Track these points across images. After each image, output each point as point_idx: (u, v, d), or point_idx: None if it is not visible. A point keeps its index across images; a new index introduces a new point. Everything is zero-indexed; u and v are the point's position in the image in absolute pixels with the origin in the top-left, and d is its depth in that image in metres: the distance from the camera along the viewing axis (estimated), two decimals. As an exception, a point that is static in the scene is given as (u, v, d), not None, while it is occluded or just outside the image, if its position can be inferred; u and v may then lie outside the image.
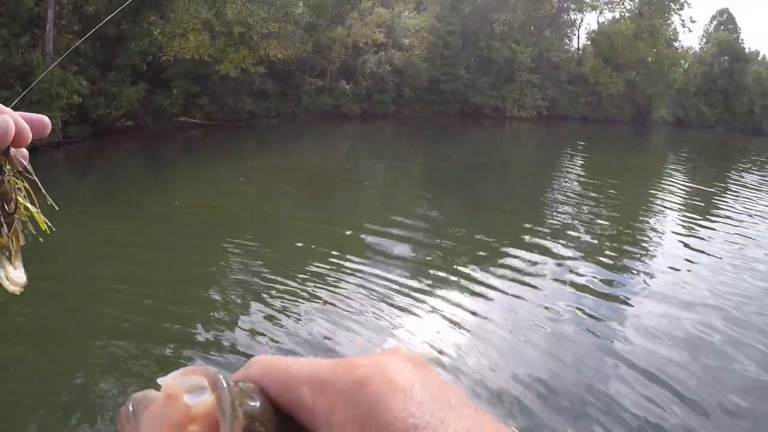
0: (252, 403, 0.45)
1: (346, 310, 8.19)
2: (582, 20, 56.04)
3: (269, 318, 7.91)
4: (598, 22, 55.54)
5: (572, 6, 54.64)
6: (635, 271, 10.85)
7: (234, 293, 8.81)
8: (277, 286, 8.94)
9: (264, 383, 0.48)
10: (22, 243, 0.67)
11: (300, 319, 7.92)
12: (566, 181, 21.43)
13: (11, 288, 0.66)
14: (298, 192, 17.24)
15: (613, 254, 11.78)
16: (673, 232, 13.84)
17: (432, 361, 6.89)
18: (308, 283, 9.07)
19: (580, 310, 8.77)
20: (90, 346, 7.12)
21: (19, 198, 0.65)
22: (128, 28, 26.63)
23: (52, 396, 6.03)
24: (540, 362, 7.11)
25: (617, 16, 54.24)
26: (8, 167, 0.63)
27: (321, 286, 9.01)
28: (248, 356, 6.74)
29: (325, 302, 8.44)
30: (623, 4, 53.84)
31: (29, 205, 0.67)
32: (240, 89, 32.99)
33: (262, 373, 0.48)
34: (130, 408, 0.46)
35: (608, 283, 10.07)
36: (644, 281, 10.33)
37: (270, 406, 0.46)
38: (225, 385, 0.43)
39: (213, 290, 8.98)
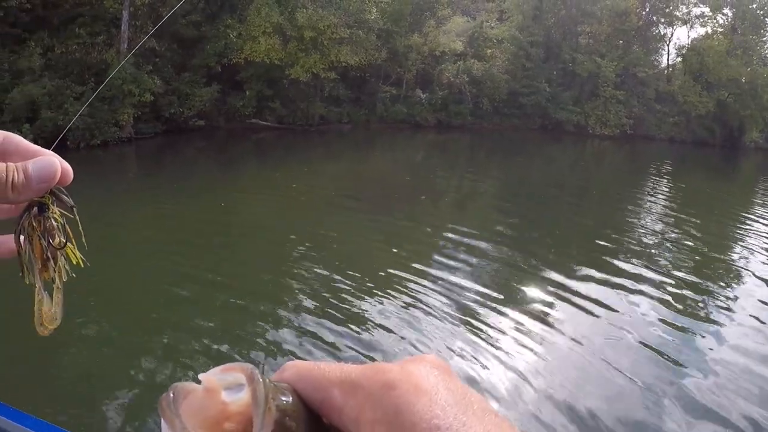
0: (284, 399, 0.48)
1: (388, 319, 8.04)
2: (672, 35, 53.15)
3: (307, 322, 7.94)
4: (689, 37, 52.68)
5: (662, 20, 51.95)
6: (712, 316, 9.59)
7: (245, 297, 8.88)
8: (294, 293, 8.96)
9: (297, 385, 0.51)
10: (65, 278, 0.68)
11: (339, 326, 7.84)
12: (648, 208, 19.53)
13: (40, 328, 0.66)
14: (347, 202, 16.47)
15: (690, 291, 10.51)
16: (758, 276, 11.92)
17: (486, 375, 6.81)
18: (325, 293, 8.97)
19: (649, 347, 8.01)
20: (144, 327, 7.68)
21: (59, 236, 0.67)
22: (207, 30, 26.83)
23: (105, 372, 6.52)
24: (600, 395, 6.72)
25: (709, 31, 51.17)
26: (53, 205, 0.65)
27: (341, 298, 8.82)
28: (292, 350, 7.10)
29: (352, 310, 8.39)
30: (716, 18, 50.71)
31: (68, 243, 0.68)
32: (312, 94, 32.70)
33: (295, 375, 0.52)
34: (171, 395, 0.48)
35: (681, 320, 9.10)
36: (722, 325, 9.15)
37: (301, 403, 0.49)
38: (261, 379, 0.46)
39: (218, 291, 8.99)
